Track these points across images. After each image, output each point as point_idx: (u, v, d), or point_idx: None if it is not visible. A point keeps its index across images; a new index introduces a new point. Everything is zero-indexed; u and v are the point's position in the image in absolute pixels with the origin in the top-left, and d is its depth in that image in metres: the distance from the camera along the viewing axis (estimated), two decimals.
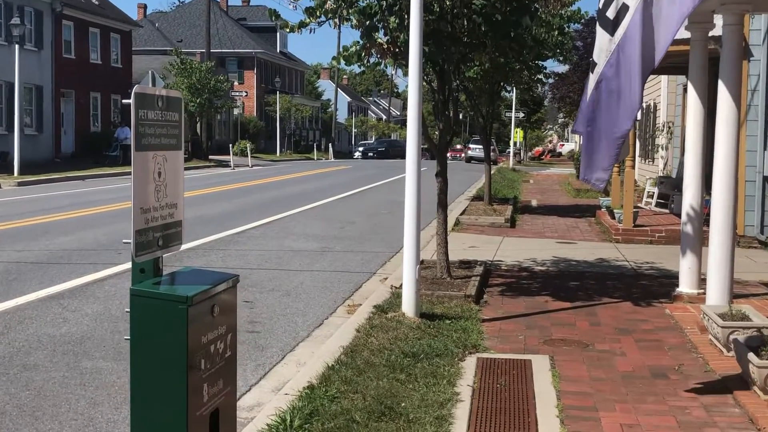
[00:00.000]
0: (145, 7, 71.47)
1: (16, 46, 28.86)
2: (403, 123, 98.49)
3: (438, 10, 8.15)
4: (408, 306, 7.25)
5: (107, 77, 42.42)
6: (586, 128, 6.00)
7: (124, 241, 3.23)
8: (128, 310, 2.92)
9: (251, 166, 40.93)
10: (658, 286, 9.30)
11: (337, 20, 8.59)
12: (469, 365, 5.97)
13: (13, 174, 27.63)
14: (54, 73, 38.00)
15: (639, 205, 16.48)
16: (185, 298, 2.94)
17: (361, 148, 69.09)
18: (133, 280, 3.13)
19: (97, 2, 43.97)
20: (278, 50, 74.00)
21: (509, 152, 49.35)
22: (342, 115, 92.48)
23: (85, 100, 40.65)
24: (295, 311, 8.16)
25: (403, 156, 8.68)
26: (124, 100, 3.08)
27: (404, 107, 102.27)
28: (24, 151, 30.11)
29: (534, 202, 21.42)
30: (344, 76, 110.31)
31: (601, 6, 6.05)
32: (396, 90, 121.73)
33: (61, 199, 20.21)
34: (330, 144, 66.40)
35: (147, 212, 3.07)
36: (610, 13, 5.84)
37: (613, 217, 14.47)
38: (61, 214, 16.15)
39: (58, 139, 37.79)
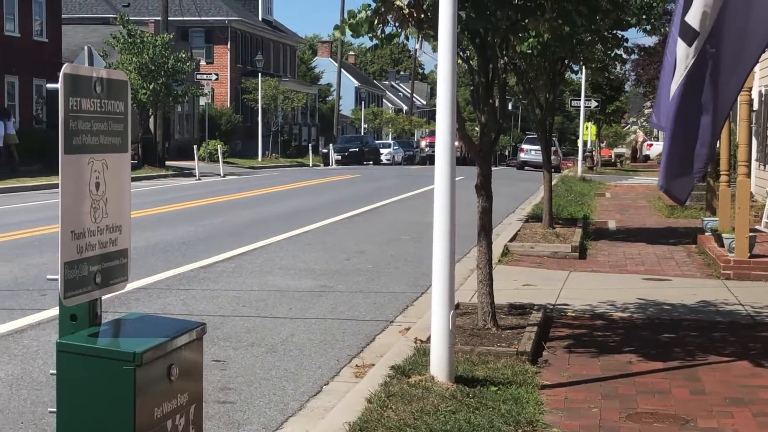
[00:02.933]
0: None
1: None
2: (431, 115, 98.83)
3: None
4: (439, 367, 7.23)
5: (28, 55, 42.74)
6: (671, 122, 6.03)
7: (48, 277, 3.23)
8: (54, 371, 2.92)
9: (223, 176, 41.09)
10: None
11: None
12: None
13: None
14: None
15: (757, 227, 16.39)
16: (132, 355, 2.92)
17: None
18: (60, 331, 3.12)
19: None
20: (260, 18, 74.57)
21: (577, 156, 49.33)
22: (348, 106, 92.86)
23: None
24: (283, 374, 8.15)
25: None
26: (49, 85, 3.08)
27: (432, 94, 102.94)
28: None
29: (612, 224, 21.36)
30: (350, 53, 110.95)
31: None
32: (421, 71, 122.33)
33: None
34: (330, 145, 66.54)
35: (80, 238, 3.06)
36: None
37: (722, 245, 14.39)
38: None
39: None
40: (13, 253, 14.92)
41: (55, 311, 10.11)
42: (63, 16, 48.20)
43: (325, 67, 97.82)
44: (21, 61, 42.11)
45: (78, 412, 2.91)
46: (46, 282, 11.98)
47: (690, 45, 6.05)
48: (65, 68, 3.00)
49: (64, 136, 2.95)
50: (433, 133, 73.67)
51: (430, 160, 62.80)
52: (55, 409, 3.05)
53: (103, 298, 3.37)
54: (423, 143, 77.40)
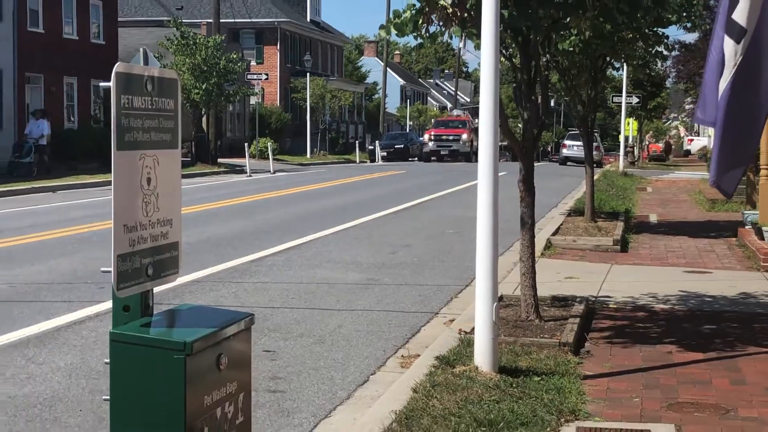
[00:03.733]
0: None
1: None
2: (474, 112, 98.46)
3: None
4: (483, 357, 7.21)
5: (86, 57, 43.13)
6: (721, 118, 5.97)
7: (102, 269, 3.26)
8: (108, 360, 2.93)
9: (273, 172, 41.25)
10: None
11: None
12: None
13: None
14: (16, 53, 38.78)
15: None
16: (182, 345, 2.95)
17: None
18: (114, 322, 3.15)
19: None
20: (308, 19, 74.69)
21: (619, 151, 48.96)
22: (393, 104, 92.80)
23: (57, 88, 41.39)
24: (332, 364, 8.17)
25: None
26: (102, 84, 3.10)
27: (476, 91, 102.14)
28: None
29: (653, 218, 21.21)
30: (396, 52, 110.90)
31: None
32: (465, 69, 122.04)
33: (25, 216, 20.57)
34: (377, 142, 66.56)
35: (133, 231, 3.10)
36: None
37: (762, 237, 14.25)
38: (25, 237, 16.43)
39: (22, 138, 38.49)
40: (73, 248, 15.08)
41: (111, 303, 10.23)
42: (119, 19, 48.56)
43: (371, 66, 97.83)
44: (79, 63, 42.50)
45: (131, 400, 2.93)
46: (103, 275, 12.11)
47: (738, 42, 5.98)
48: (117, 67, 3.02)
49: (116, 133, 2.98)
50: (439, 124, 59.10)
51: (436, 156, 59.08)
52: (108, 397, 3.06)
53: (158, 289, 3.40)
54: (426, 137, 64.35)
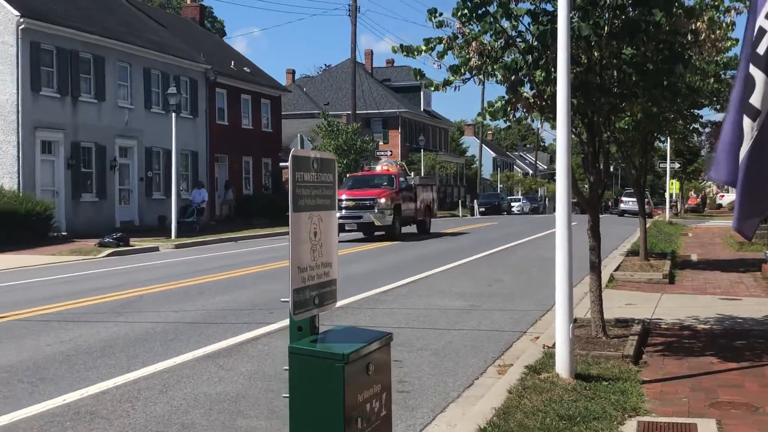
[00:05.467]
0: (293, 72, 74.77)
1: (173, 115, 30.63)
2: (550, 177, 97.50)
3: (586, 62, 8.09)
4: (562, 366, 7.10)
5: (258, 141, 44.28)
6: (741, 178, 5.84)
7: (282, 299, 3.34)
8: (286, 367, 3.00)
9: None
10: None
11: (481, 77, 8.68)
12: (629, 429, 5.77)
13: (170, 237, 29.09)
14: (208, 139, 40.05)
15: None
16: (341, 356, 3.00)
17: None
18: (291, 338, 3.22)
19: (248, 70, 46.21)
20: (422, 109, 75.26)
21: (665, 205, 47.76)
22: (487, 171, 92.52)
23: (237, 165, 42.54)
24: (445, 371, 8.13)
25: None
26: (282, 163, 3.20)
27: (551, 161, 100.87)
28: (180, 215, 31.78)
29: (694, 257, 20.59)
30: (489, 132, 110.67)
31: (749, 44, 5.86)
32: (542, 144, 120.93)
33: (215, 260, 21.08)
34: (475, 200, 66.38)
35: (304, 271, 3.16)
36: (761, 50, 5.66)
37: None
38: (215, 275, 16.84)
39: (213, 202, 39.61)
40: (251, 283, 15.39)
41: (279, 324, 10.40)
42: (282, 113, 49.76)
43: (470, 143, 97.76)
44: (253, 146, 43.66)
45: (304, 397, 2.99)
46: (273, 303, 12.34)
47: (754, 120, 5.85)
48: (293, 152, 3.13)
49: (292, 199, 3.07)
50: (354, 183, 29.24)
51: (356, 223, 28.50)
52: (287, 395, 3.12)
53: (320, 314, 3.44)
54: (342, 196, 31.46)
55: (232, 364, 8.35)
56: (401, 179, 30.48)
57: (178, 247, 26.66)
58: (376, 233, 28.85)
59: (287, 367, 3.07)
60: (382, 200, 27.98)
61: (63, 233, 29.54)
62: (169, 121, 31.41)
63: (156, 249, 26.07)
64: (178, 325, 10.72)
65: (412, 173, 38.54)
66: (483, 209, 62.84)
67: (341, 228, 26.45)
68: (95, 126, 32.68)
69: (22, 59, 29.15)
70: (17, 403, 6.85)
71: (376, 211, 27.90)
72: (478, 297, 13.30)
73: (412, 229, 31.39)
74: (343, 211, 27.50)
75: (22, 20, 29.05)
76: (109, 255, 23.76)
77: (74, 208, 31.55)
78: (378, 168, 33.04)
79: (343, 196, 27.80)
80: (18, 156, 29.22)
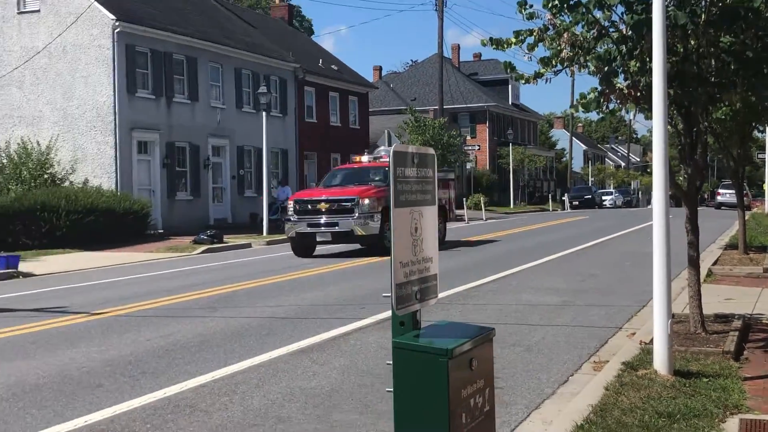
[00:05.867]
0: (380, 69, 75.14)
1: (264, 114, 31.17)
2: (643, 169, 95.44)
3: (682, 51, 7.90)
4: (660, 363, 6.96)
5: (346, 138, 44.66)
6: None
7: (383, 294, 3.37)
8: (389, 362, 3.03)
9: (485, 220, 41.19)
10: None
11: (573, 68, 8.56)
12: (731, 427, 5.62)
13: (262, 234, 29.62)
14: (297, 137, 40.59)
15: None
16: (446, 351, 3.02)
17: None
18: (393, 333, 3.24)
19: (336, 68, 46.64)
20: (510, 102, 74.60)
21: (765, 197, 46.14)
22: (577, 164, 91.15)
23: (326, 161, 43.00)
24: (538, 367, 8.05)
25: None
26: (363, 157, 3.20)
27: (644, 153, 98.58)
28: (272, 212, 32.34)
29: None
30: (579, 124, 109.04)
31: None
32: (635, 135, 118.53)
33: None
34: (566, 194, 65.51)
35: (406, 266, 3.19)
36: None
37: None
38: (306, 271, 17.07)
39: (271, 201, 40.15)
40: (342, 278, 15.55)
41: (370, 320, 10.48)
42: (369, 109, 50.05)
43: (559, 136, 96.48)
44: (341, 143, 44.04)
45: (408, 392, 3.01)
46: (364, 298, 12.44)
47: None
48: (394, 147, 3.16)
49: (394, 195, 3.10)
50: (331, 179, 22.36)
51: (299, 247, 20.99)
52: (390, 389, 3.15)
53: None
54: (290, 204, 21.64)
55: (326, 359, 8.43)
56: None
57: (269, 243, 27.09)
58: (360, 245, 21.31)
59: (390, 362, 3.10)
60: (366, 201, 20.08)
61: (159, 231, 30.40)
62: (259, 120, 31.98)
63: (248, 245, 26.58)
64: (271, 320, 10.91)
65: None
66: (576, 203, 61.91)
67: (311, 240, 20.61)
68: (189, 126, 33.51)
69: (118, 62, 30.09)
70: (120, 397, 7.09)
71: (356, 215, 20.00)
72: (570, 293, 13.12)
73: None
74: (313, 217, 20.33)
75: (117, 24, 30.00)
76: (203, 252, 24.34)
77: (169, 207, 32.43)
78: (365, 160, 23.81)
79: (315, 197, 20.95)
80: (116, 156, 30.20)
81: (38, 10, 31.30)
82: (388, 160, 20.33)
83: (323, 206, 20.46)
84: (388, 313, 3.81)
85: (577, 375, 7.75)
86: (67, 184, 28.87)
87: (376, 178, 21.97)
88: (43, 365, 8.44)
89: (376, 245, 20.17)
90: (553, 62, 8.37)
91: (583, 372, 7.84)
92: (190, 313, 11.72)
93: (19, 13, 31.67)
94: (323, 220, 20.39)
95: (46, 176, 28.58)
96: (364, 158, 24.06)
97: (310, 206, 20.63)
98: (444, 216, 23.26)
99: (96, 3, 30.13)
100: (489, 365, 3.36)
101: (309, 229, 20.44)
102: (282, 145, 39.33)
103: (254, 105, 36.09)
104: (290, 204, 21.25)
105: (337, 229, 20.23)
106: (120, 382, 7.65)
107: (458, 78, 67.07)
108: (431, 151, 3.36)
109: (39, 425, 6.27)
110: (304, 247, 20.94)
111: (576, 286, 13.97)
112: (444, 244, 21.92)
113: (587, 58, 8.20)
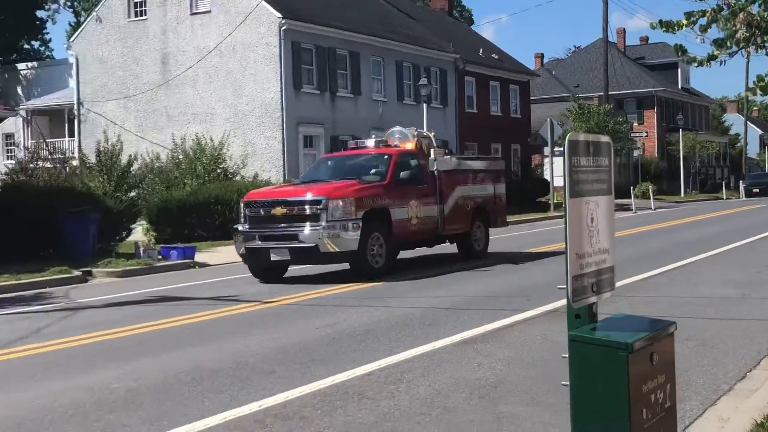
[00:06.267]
0: (542, 56, 73.89)
1: (424, 105, 31.38)
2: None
3: None
4: None
5: (507, 128, 44.30)
6: None
7: (558, 287, 3.33)
8: (565, 355, 2.99)
9: (654, 209, 39.80)
10: None
11: (749, 49, 8.12)
12: None
13: None
14: (458, 128, 40.64)
15: None
16: (625, 345, 2.96)
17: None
18: (569, 326, 3.20)
19: (496, 56, 46.32)
20: (680, 86, 71.63)
21: None
22: (753, 150, 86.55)
23: (486, 152, 42.82)
24: (713, 362, 7.71)
25: None
26: (556, 149, 3.18)
27: None
28: None
29: None
30: (754, 108, 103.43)
31: None
32: None
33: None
34: (741, 181, 62.28)
35: (581, 258, 3.14)
36: None
37: None
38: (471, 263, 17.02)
39: None
40: (501, 271, 15.40)
41: (535, 311, 10.36)
42: (531, 98, 49.41)
43: (733, 121, 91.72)
44: (502, 133, 43.73)
45: (585, 385, 2.97)
46: (530, 290, 12.32)
47: None
48: (569, 137, 3.11)
49: (569, 185, 3.06)
50: (321, 173, 16.71)
51: (256, 268, 15.11)
52: (565, 383, 3.11)
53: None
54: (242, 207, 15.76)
55: (490, 350, 8.39)
56: (412, 162, 16.25)
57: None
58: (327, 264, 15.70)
59: (565, 355, 3.06)
60: (338, 203, 14.26)
61: None
62: (420, 112, 32.23)
63: None
64: (435, 310, 10.98)
65: (448, 152, 22.77)
66: (756, 190, 58.61)
67: (263, 256, 14.69)
68: (352, 120, 34.22)
69: (285, 59, 31.10)
70: (291, 383, 7.33)
71: (324, 224, 14.18)
72: (747, 285, 12.48)
73: (435, 249, 18.41)
74: (267, 227, 14.64)
75: (283, 21, 31.01)
76: None
77: None
78: (370, 144, 17.44)
79: (267, 198, 15.22)
80: (283, 150, 31.27)
81: (209, 11, 32.81)
82: (401, 145, 15.54)
83: (279, 211, 14.56)
84: (554, 305, 3.73)
85: (755, 371, 7.38)
86: (238, 178, 30.12)
87: (373, 170, 15.82)
88: (218, 351, 8.85)
89: (358, 264, 14.47)
90: (728, 43, 7.96)
91: (762, 368, 7.46)
92: (356, 302, 11.97)
93: (192, 15, 33.31)
94: (279, 231, 14.49)
95: (219, 171, 29.91)
96: (369, 142, 17.58)
97: (262, 211, 14.80)
98: (484, 219, 17.73)
99: (263, 2, 31.28)
100: (670, 360, 3.25)
101: (261, 244, 14.57)
102: (442, 136, 39.35)
103: (415, 97, 36.40)
104: (240, 207, 15.60)
105: (295, 244, 14.28)
106: (291, 369, 7.91)
107: (624, 62, 64.99)
108: (606, 138, 3.27)
109: (216, 409, 6.59)
110: (260, 268, 15.11)
111: (752, 278, 13.28)
112: (484, 258, 17.28)
113: (765, 39, 7.75)
